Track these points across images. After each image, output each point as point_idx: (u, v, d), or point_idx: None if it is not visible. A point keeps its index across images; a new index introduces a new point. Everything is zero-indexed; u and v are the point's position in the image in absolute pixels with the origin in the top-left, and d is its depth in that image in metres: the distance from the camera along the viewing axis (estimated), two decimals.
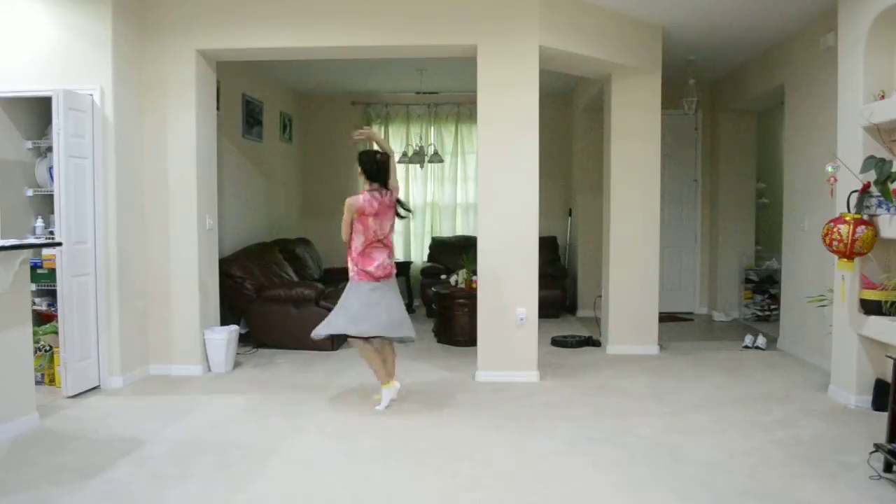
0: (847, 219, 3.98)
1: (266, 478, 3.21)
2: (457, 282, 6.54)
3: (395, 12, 5.00)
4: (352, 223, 4.22)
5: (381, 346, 4.37)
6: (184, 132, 5.08)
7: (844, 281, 4.29)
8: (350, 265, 4.30)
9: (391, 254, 4.37)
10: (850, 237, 3.92)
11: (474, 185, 8.44)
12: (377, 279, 4.24)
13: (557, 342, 6.26)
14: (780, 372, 5.25)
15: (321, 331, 4.34)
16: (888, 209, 3.93)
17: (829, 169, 4.31)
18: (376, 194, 4.24)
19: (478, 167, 5.10)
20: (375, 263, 4.23)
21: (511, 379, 4.95)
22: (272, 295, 6.02)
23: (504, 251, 5.00)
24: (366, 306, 4.20)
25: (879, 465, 3.20)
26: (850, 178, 4.17)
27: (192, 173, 5.10)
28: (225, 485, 3.13)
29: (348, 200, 4.21)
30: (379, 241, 4.26)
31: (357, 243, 4.23)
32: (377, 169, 4.28)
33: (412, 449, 3.61)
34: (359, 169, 4.33)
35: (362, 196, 4.23)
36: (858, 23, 4.24)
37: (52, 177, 4.75)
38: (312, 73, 7.55)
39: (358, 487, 3.12)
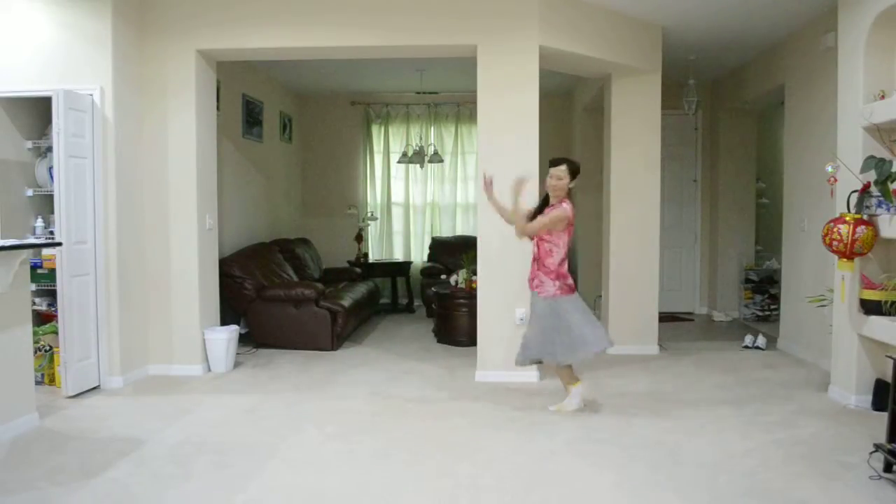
0: (847, 219, 3.98)
1: (266, 478, 3.21)
2: (457, 282, 6.54)
3: (396, 12, 5.00)
4: (547, 233, 4.07)
5: None
6: (184, 132, 5.08)
7: (844, 281, 4.29)
8: (545, 280, 4.12)
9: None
10: (850, 237, 3.92)
11: (474, 185, 8.44)
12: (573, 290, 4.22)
13: None
14: (780, 372, 5.25)
15: (565, 358, 4.18)
16: (888, 209, 3.93)
17: (829, 169, 4.31)
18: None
19: (478, 167, 5.10)
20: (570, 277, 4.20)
21: (511, 379, 4.95)
22: (272, 295, 6.02)
23: (504, 251, 5.00)
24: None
25: (879, 465, 3.20)
26: (850, 178, 4.17)
27: (192, 173, 5.10)
28: (225, 485, 3.13)
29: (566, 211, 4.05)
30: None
31: (557, 257, 4.11)
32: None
33: (412, 449, 3.61)
34: (567, 176, 4.09)
35: (570, 205, 4.10)
36: (858, 23, 4.24)
37: (52, 177, 4.75)
38: (312, 73, 7.54)
39: (358, 487, 3.12)
